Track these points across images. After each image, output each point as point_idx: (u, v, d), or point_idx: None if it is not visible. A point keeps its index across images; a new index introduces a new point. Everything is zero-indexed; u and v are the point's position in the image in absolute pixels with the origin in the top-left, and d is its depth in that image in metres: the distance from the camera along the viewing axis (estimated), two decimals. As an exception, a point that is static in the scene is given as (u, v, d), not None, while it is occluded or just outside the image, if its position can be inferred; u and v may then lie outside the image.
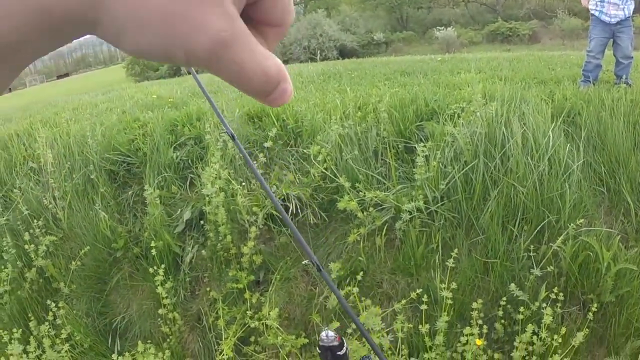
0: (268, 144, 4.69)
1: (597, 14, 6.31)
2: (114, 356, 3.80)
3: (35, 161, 5.75)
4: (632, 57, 6.39)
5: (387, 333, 3.55)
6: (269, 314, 3.81)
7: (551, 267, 3.70)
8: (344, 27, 34.36)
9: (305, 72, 9.17)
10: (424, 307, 3.47)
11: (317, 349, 1.80)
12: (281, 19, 0.42)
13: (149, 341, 3.88)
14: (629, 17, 6.29)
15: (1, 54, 0.34)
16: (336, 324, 3.78)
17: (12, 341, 4.07)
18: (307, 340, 3.89)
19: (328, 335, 1.78)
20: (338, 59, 18.60)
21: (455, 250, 3.68)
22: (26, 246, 4.76)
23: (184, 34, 0.35)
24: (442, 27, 31.56)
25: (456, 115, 4.82)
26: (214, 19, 0.35)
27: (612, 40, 6.35)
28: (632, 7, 6.29)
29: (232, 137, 1.22)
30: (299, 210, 4.36)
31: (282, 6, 0.41)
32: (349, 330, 3.71)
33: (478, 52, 14.89)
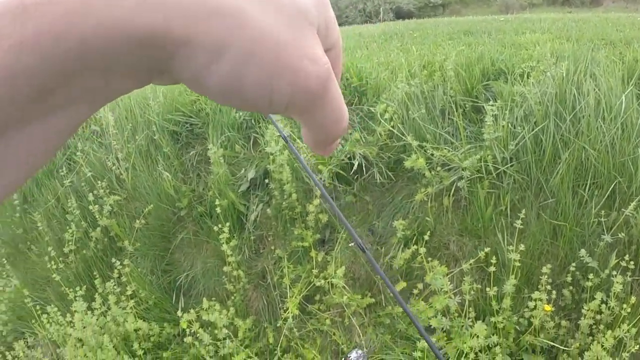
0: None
1: None
2: (179, 312, 3.82)
3: (97, 124, 5.81)
4: None
5: (455, 295, 3.49)
6: (334, 273, 3.77)
7: (622, 234, 3.55)
8: (401, -11, 33.92)
9: (365, 33, 9.07)
10: (492, 269, 3.39)
11: None
12: (336, 41, 0.40)
13: (213, 298, 3.89)
14: None
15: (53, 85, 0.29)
16: (403, 284, 3.73)
17: (77, 299, 4.14)
18: (373, 300, 3.85)
19: (357, 354, 1.78)
20: (394, 20, 18.33)
21: (523, 211, 3.58)
22: (90, 207, 4.82)
23: (294, 64, 0.33)
24: (502, -12, 30.85)
25: (525, 75, 4.67)
26: (318, 49, 0.34)
27: None
28: None
29: (285, 140, 1.16)
30: (365, 169, 4.29)
31: (333, 26, 0.39)
32: (415, 291, 3.65)
33: (539, 13, 14.48)
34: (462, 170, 3.95)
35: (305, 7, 0.35)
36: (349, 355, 1.79)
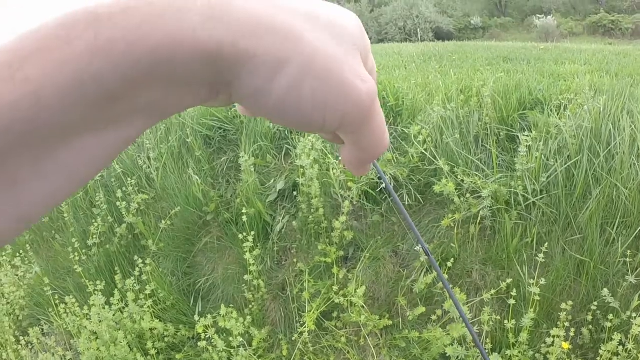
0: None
1: None
2: (196, 316, 3.84)
3: (131, 122, 5.87)
4: None
5: (473, 325, 3.46)
6: (355, 292, 3.76)
7: (647, 276, 3.52)
8: (440, 9, 33.89)
9: (404, 52, 9.06)
10: (512, 301, 3.37)
11: None
12: (372, 68, 0.42)
13: (231, 305, 3.91)
14: None
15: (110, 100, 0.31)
16: (422, 309, 3.71)
17: (96, 292, 4.17)
18: (391, 322, 3.84)
19: None
20: (433, 41, 18.30)
21: (546, 245, 3.56)
22: (118, 203, 4.86)
23: (348, 79, 0.35)
24: (542, 15, 30.66)
25: (562, 107, 4.64)
26: (363, 67, 0.37)
27: None
28: None
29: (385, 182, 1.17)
30: (394, 190, 4.28)
31: (369, 54, 0.41)
32: (433, 317, 3.64)
33: (579, 43, 14.36)
34: (484, 199, 3.93)
35: (353, 31, 0.37)
36: None
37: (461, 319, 3.33)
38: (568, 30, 30.26)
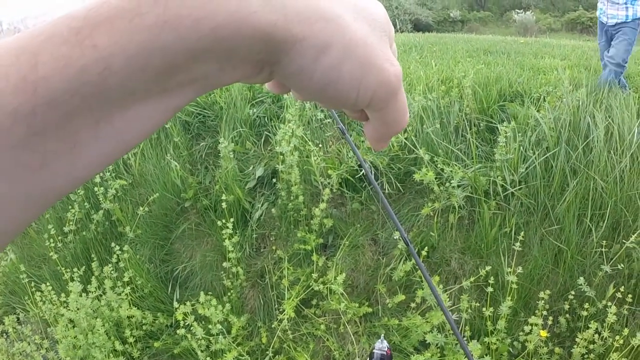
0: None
1: (597, 13, 5.63)
2: (175, 304, 3.81)
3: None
4: (623, 66, 5.31)
5: (452, 312, 3.48)
6: (334, 279, 3.76)
7: (622, 266, 3.56)
8: (420, 1, 33.89)
9: (385, 42, 9.03)
10: (489, 289, 3.39)
11: (370, 355, 1.89)
12: (394, 52, 0.45)
13: (209, 292, 3.88)
14: (633, 19, 5.30)
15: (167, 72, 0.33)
16: (401, 297, 3.72)
17: (73, 279, 4.12)
18: (370, 310, 3.84)
19: (382, 343, 1.87)
20: (412, 32, 18.27)
21: (522, 234, 3.60)
22: (95, 188, 4.80)
23: (380, 63, 0.39)
24: (521, 11, 30.73)
25: (541, 99, 4.66)
26: (391, 54, 0.41)
27: None
28: (639, 9, 5.29)
29: (343, 132, 1.18)
30: (374, 178, 4.28)
31: (393, 41, 0.44)
32: (412, 305, 3.64)
33: (557, 39, 14.43)
34: (462, 188, 3.95)
35: (384, 21, 0.41)
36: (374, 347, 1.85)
37: (439, 297, 3.34)
38: (546, 26, 30.37)
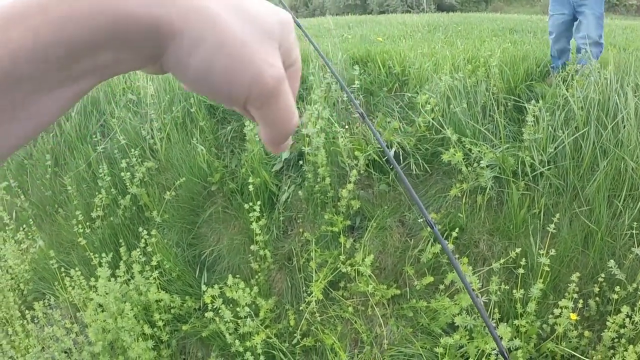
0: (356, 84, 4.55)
1: None
2: (203, 287, 3.81)
3: (134, 93, 5.81)
4: (600, 45, 4.85)
5: (481, 294, 3.44)
6: (362, 261, 3.74)
7: (654, 247, 3.50)
8: (443, -18, 33.67)
9: (409, 22, 8.96)
10: (520, 271, 3.35)
11: None
12: (295, 59, 0.49)
13: (237, 276, 3.87)
14: None
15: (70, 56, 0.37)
16: (430, 279, 3.69)
17: (102, 264, 4.15)
18: (399, 292, 3.82)
19: None
20: (435, 12, 18.11)
21: (557, 216, 3.52)
22: (122, 173, 4.82)
23: (255, 62, 0.41)
24: (547, -11, 30.38)
25: (570, 78, 4.58)
26: (276, 59, 0.43)
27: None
28: None
29: (362, 116, 1.17)
30: (401, 159, 4.25)
31: (294, 47, 0.48)
32: (441, 287, 3.61)
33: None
34: (490, 168, 3.91)
35: (271, 26, 0.44)
36: None
37: (468, 283, 3.31)
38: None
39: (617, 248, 3.67)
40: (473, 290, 3.37)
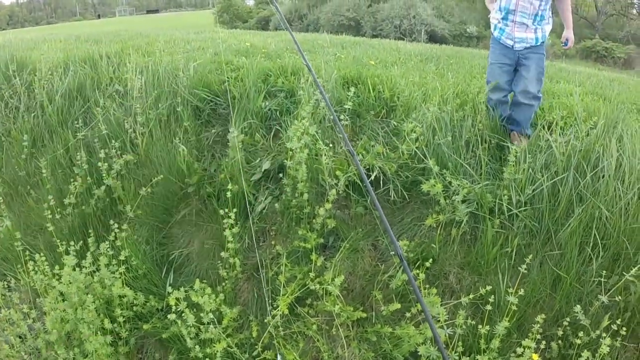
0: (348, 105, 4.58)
1: (497, 34, 4.70)
2: (168, 288, 3.77)
3: (121, 84, 5.77)
4: (538, 98, 4.68)
5: (447, 326, 3.45)
6: (332, 280, 3.73)
7: (619, 298, 3.56)
8: (438, 13, 34.03)
9: (402, 49, 9.02)
10: (488, 307, 3.37)
11: None
12: None
13: (204, 280, 3.84)
14: (542, 42, 4.64)
15: None
16: (397, 305, 3.69)
17: (70, 252, 4.09)
18: (365, 315, 3.82)
19: None
20: (427, 43, 18.28)
21: (530, 257, 3.58)
22: (99, 164, 4.77)
23: None
24: (538, 34, 30.88)
25: (554, 124, 4.64)
26: None
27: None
28: (548, 28, 4.65)
29: (352, 154, 1.18)
30: (381, 184, 4.26)
31: None
32: (408, 314, 3.62)
33: (572, 65, 14.44)
34: (468, 202, 3.94)
35: None
36: None
37: (431, 320, 3.33)
38: (562, 51, 30.48)
39: (584, 294, 3.72)
40: (439, 321, 3.39)
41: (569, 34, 4.80)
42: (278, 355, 1.81)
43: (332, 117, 4.53)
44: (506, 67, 4.67)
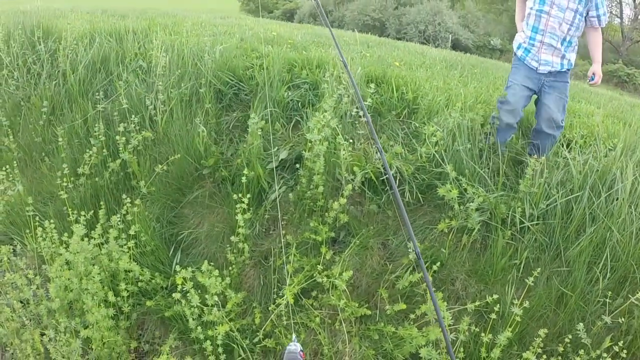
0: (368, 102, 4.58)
1: (521, 54, 4.48)
2: (177, 267, 3.77)
3: (145, 61, 5.77)
4: (562, 127, 4.53)
5: (450, 331, 3.45)
6: (339, 275, 3.73)
7: (622, 320, 3.55)
8: (464, 23, 33.98)
9: (427, 54, 9.00)
10: (493, 316, 3.37)
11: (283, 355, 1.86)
12: None
13: (211, 263, 3.83)
14: (568, 69, 4.43)
15: None
16: (402, 306, 3.69)
17: (79, 222, 4.10)
18: (369, 312, 3.82)
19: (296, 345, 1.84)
20: (450, 50, 18.23)
21: (538, 270, 3.59)
22: (117, 137, 4.78)
23: None
24: (561, 53, 30.83)
25: (574, 142, 4.62)
26: None
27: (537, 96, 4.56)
28: (574, 56, 4.45)
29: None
30: (397, 184, 4.25)
31: None
32: (412, 316, 3.62)
33: (593, 87, 14.38)
34: (482, 211, 3.93)
35: None
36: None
37: (442, 320, 3.32)
38: (583, 72, 30.40)
39: (588, 313, 3.72)
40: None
41: (596, 68, 4.40)
42: (294, 334, 1.83)
43: (354, 112, 4.53)
44: (527, 92, 4.45)
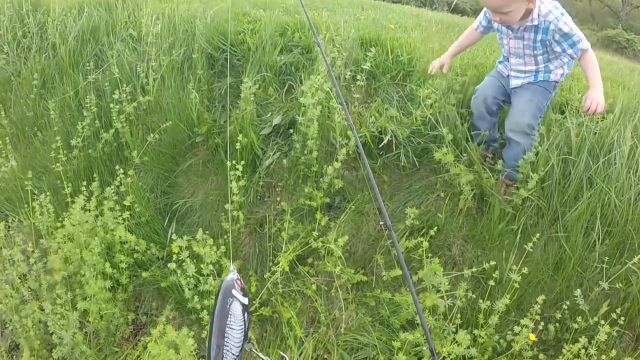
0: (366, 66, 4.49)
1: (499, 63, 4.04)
2: (173, 236, 3.73)
3: (136, 29, 5.68)
4: (530, 135, 3.74)
5: (447, 297, 3.41)
6: (335, 241, 3.69)
7: (620, 285, 3.51)
8: (461, -14, 33.68)
9: (422, 16, 8.87)
10: (491, 282, 3.34)
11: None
12: None
13: (206, 232, 3.79)
14: (545, 80, 3.74)
15: None
16: (398, 272, 3.66)
17: (81, 193, 4.11)
18: (365, 279, 3.79)
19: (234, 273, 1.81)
20: (448, 13, 17.98)
21: (537, 235, 3.52)
22: (111, 105, 4.71)
23: None
24: (560, 16, 30.64)
25: (570, 105, 4.55)
26: None
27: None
28: (559, 72, 3.75)
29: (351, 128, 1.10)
30: (393, 148, 4.20)
31: None
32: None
33: (595, 51, 14.24)
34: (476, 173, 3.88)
35: None
36: None
37: (429, 289, 3.29)
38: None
39: (586, 279, 3.67)
40: (439, 291, 3.36)
41: (593, 94, 3.44)
42: (231, 264, 1.77)
43: (349, 74, 4.45)
44: (498, 82, 3.97)
